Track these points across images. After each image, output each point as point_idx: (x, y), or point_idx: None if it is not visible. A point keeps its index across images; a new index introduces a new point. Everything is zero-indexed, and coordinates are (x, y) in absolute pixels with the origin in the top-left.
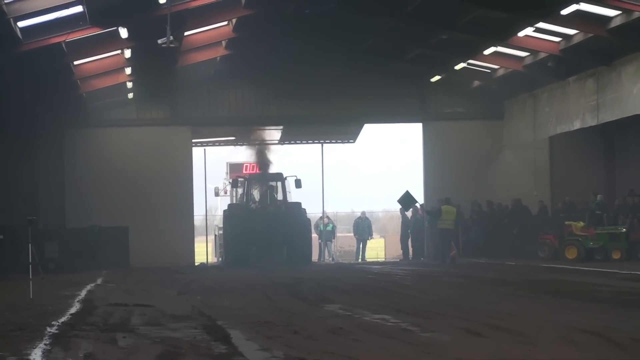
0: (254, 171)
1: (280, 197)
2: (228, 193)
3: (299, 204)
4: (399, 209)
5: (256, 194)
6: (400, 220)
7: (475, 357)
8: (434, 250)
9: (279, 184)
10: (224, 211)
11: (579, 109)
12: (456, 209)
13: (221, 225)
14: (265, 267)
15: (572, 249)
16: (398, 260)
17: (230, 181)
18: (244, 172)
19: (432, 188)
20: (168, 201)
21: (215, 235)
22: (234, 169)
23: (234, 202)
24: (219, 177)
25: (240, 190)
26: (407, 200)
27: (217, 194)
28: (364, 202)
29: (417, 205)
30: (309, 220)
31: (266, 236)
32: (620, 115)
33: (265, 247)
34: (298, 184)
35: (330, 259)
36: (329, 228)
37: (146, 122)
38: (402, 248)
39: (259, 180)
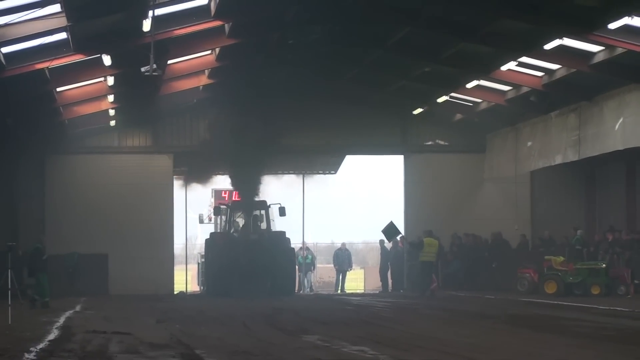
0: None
1: (264, 225)
2: (213, 220)
3: (282, 232)
4: (378, 241)
5: (239, 222)
6: (380, 252)
7: None
8: (412, 282)
9: (263, 212)
10: (206, 240)
11: (560, 144)
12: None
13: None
14: (246, 296)
15: (551, 284)
16: (377, 292)
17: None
18: (226, 199)
19: (412, 220)
20: (148, 229)
21: (199, 264)
22: (220, 195)
23: (219, 229)
24: (204, 204)
25: (223, 218)
26: (390, 231)
27: (201, 221)
28: (344, 234)
29: (398, 238)
30: (293, 249)
31: (249, 266)
32: (602, 151)
33: (247, 276)
34: (282, 211)
35: (309, 289)
36: (308, 260)
37: (128, 150)
38: (381, 280)
39: (242, 208)
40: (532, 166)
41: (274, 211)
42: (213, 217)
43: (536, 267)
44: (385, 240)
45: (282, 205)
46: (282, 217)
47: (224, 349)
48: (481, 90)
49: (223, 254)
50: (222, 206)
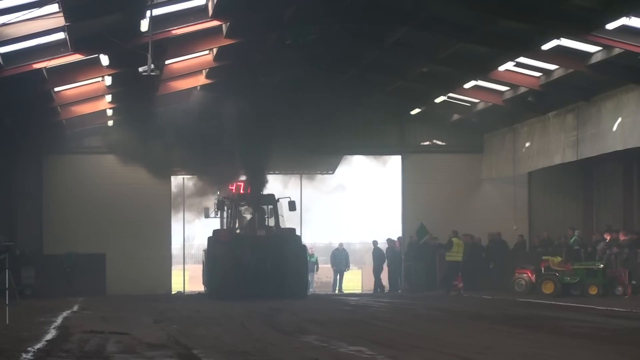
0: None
1: (272, 221)
2: (219, 215)
3: (293, 229)
4: (372, 241)
5: (246, 217)
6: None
7: None
8: (410, 283)
9: (271, 206)
10: (209, 238)
11: (559, 144)
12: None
13: None
14: (253, 299)
15: (549, 284)
16: (375, 292)
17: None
18: (233, 191)
19: (410, 220)
20: (146, 229)
21: (203, 262)
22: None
23: (224, 226)
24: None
25: (229, 213)
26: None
27: (206, 216)
28: (342, 234)
29: (395, 240)
30: (304, 247)
31: (255, 265)
32: (600, 151)
33: (254, 277)
34: (292, 206)
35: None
36: (313, 259)
37: None
38: (375, 280)
39: (248, 202)
40: (530, 167)
41: (283, 206)
42: (218, 212)
43: (534, 267)
44: (376, 241)
45: (292, 200)
46: (284, 216)
47: (222, 349)
48: (479, 91)
49: (227, 253)
50: (225, 200)
